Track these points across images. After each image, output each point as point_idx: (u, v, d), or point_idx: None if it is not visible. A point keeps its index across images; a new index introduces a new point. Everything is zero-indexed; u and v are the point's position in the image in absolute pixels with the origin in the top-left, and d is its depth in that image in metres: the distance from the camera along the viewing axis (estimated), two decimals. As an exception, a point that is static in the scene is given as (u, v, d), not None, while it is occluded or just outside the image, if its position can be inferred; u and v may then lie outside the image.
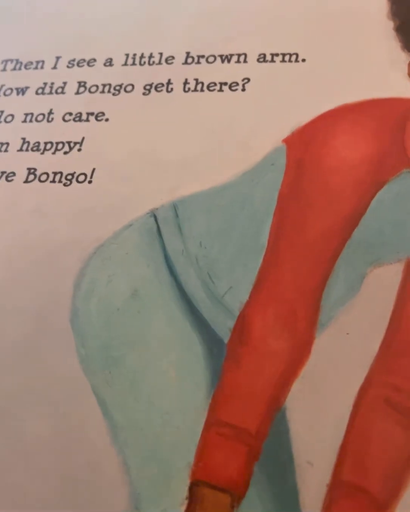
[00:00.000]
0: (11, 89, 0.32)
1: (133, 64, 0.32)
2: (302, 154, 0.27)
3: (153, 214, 0.27)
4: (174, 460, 0.23)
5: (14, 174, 0.30)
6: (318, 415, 0.23)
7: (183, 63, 0.31)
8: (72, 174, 0.29)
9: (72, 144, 0.30)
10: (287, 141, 0.28)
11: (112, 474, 0.22)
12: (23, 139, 0.31)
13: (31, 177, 0.29)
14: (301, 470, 0.22)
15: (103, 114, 0.30)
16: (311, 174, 0.27)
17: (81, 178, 0.29)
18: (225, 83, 0.30)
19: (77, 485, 0.22)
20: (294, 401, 0.23)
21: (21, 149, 0.30)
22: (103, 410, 0.24)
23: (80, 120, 0.31)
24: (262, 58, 0.30)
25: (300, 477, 0.22)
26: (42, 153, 0.30)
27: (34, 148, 0.30)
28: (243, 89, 0.30)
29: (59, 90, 0.32)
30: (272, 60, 0.30)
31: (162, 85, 0.31)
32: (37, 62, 0.33)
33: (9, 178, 0.29)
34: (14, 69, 0.33)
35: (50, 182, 0.29)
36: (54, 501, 0.22)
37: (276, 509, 0.22)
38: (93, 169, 0.29)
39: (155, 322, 0.25)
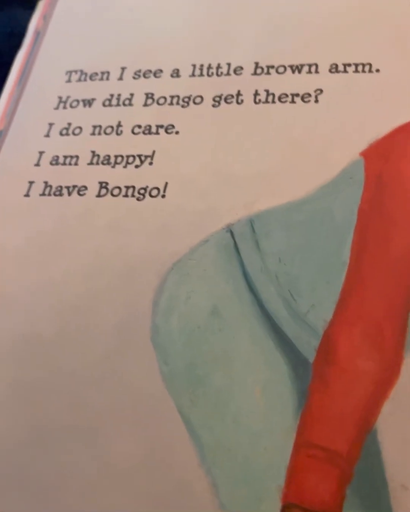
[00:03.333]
0: (77, 101, 0.32)
1: (201, 75, 0.31)
2: (381, 168, 0.27)
3: (230, 230, 0.27)
4: (265, 482, 0.22)
5: (85, 188, 0.29)
6: (410, 437, 0.22)
7: (252, 74, 0.31)
8: (145, 188, 0.29)
9: (143, 158, 0.30)
10: (364, 154, 0.27)
11: (202, 496, 0.22)
12: (93, 152, 0.30)
13: (103, 191, 0.29)
14: (395, 494, 0.22)
15: (173, 126, 0.30)
16: (391, 189, 0.26)
17: (154, 192, 0.29)
18: (297, 94, 0.30)
19: (168, 506, 0.22)
20: (384, 423, 0.23)
21: (91, 163, 0.30)
22: (189, 430, 0.24)
23: (149, 132, 0.30)
24: (334, 68, 0.30)
25: (395, 501, 0.22)
26: (113, 167, 0.30)
27: (105, 162, 0.30)
28: (316, 101, 0.29)
29: (127, 102, 0.32)
30: (345, 71, 0.30)
31: (232, 96, 0.30)
32: (102, 73, 0.33)
33: (81, 193, 0.29)
34: (79, 80, 0.33)
35: (123, 196, 0.29)
36: (146, 523, 0.22)
37: (369, 534, 0.22)
38: (166, 183, 0.29)
39: (238, 341, 0.25)
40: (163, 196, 0.28)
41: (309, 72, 0.30)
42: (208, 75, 0.31)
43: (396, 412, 0.23)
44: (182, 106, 0.31)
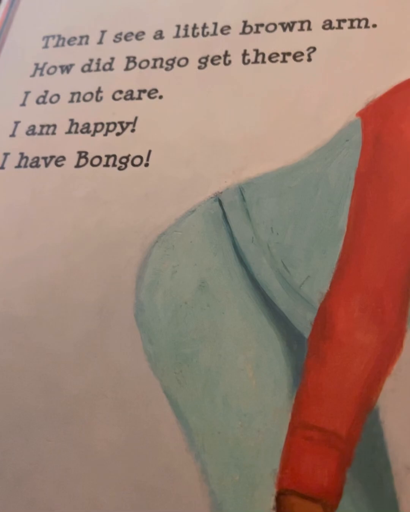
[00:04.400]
0: (55, 67, 0.30)
1: (186, 36, 0.29)
2: (379, 128, 0.25)
3: (218, 198, 0.25)
4: (258, 467, 0.21)
5: (63, 158, 0.28)
6: (415, 416, 0.21)
7: (241, 33, 0.29)
8: (127, 157, 0.27)
9: (124, 125, 0.28)
10: (361, 114, 0.25)
11: (191, 482, 0.21)
12: (71, 120, 0.29)
13: (82, 161, 0.27)
14: (399, 477, 0.20)
15: (156, 91, 0.28)
16: (391, 150, 0.24)
17: (137, 161, 0.27)
18: (288, 53, 0.28)
19: (153, 494, 0.21)
20: (386, 400, 0.21)
21: (69, 131, 0.28)
22: (176, 413, 0.22)
23: (131, 98, 0.28)
24: (327, 25, 0.28)
25: (399, 484, 0.20)
26: (93, 135, 0.28)
27: (84, 130, 0.28)
28: (309, 59, 0.27)
29: (107, 67, 0.30)
30: (339, 27, 0.28)
31: (219, 57, 0.28)
32: (81, 37, 0.31)
33: (59, 163, 0.28)
34: (57, 45, 0.31)
35: (104, 166, 0.27)
36: (130, 512, 0.21)
37: (372, 520, 0.20)
38: (149, 151, 0.27)
39: (228, 316, 0.23)
40: (146, 164, 0.27)
41: (301, 29, 0.28)
42: (193, 35, 0.29)
43: (398, 388, 0.21)
44: (166, 69, 0.29)
